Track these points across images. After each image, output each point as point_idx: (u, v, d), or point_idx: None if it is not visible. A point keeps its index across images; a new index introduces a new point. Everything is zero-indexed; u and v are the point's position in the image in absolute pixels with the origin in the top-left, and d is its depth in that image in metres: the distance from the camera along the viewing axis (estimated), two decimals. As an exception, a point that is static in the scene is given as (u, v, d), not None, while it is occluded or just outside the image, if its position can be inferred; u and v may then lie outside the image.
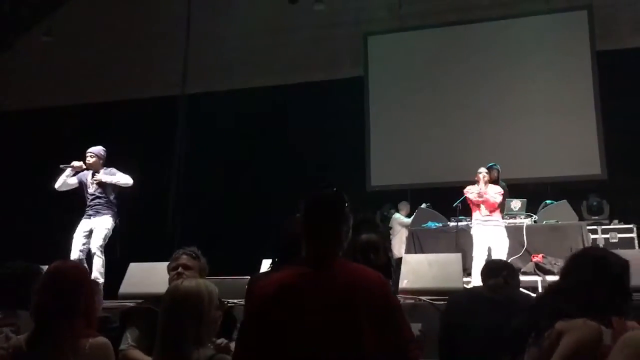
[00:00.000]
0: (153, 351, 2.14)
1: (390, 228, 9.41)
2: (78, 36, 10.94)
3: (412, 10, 10.47)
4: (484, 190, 6.84)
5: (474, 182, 7.33)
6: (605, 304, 2.08)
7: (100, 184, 6.03)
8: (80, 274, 2.39)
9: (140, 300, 3.50)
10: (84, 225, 5.97)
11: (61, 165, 6.05)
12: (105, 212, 5.99)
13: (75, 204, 6.18)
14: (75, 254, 5.83)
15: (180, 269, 3.06)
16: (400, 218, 9.39)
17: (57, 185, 6.06)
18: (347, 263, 1.99)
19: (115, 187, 6.05)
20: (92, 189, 6.03)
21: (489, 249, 6.61)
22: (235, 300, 3.86)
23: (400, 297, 4.46)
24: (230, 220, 9.67)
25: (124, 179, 6.05)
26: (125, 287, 5.31)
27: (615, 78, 9.26)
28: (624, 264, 2.16)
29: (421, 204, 8.83)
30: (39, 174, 9.90)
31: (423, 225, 7.96)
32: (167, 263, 3.24)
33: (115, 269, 5.82)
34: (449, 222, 7.76)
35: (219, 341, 2.71)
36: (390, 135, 10.47)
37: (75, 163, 6.04)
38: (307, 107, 10.28)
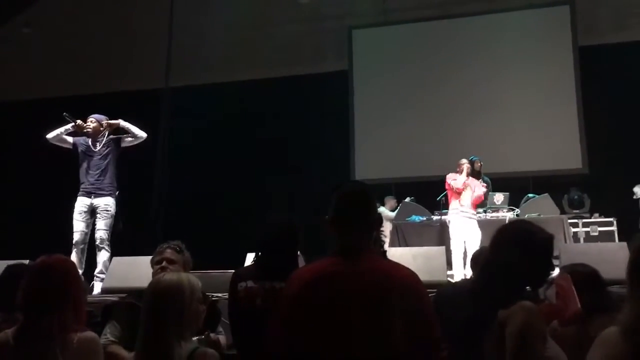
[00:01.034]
0: (135, 346, 2.12)
1: (375, 222, 9.44)
2: (60, 28, 10.80)
3: (396, 4, 10.51)
4: (468, 182, 6.89)
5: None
6: (530, 277, 2.16)
7: (112, 136, 5.68)
8: (67, 267, 2.36)
9: (123, 295, 3.47)
10: (81, 204, 5.59)
11: (65, 113, 5.68)
12: (108, 190, 5.62)
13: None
14: (77, 236, 5.54)
15: (164, 263, 3.04)
16: (384, 212, 9.41)
17: (50, 136, 5.65)
18: (379, 257, 2.03)
19: (118, 156, 5.74)
20: (97, 147, 5.65)
21: (464, 242, 6.69)
22: (220, 294, 3.84)
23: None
24: (214, 214, 9.64)
25: (139, 130, 5.69)
26: (108, 281, 5.26)
27: (597, 73, 9.37)
28: (549, 237, 2.21)
29: (405, 198, 8.87)
30: (20, 167, 9.84)
31: (407, 219, 8.01)
32: (150, 257, 3.22)
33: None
34: (432, 216, 7.81)
35: (212, 335, 2.71)
36: (374, 129, 10.50)
37: (80, 121, 5.67)
38: (291, 101, 10.27)
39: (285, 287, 2.02)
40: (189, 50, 10.07)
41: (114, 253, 5.67)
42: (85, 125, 5.71)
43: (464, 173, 6.92)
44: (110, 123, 5.79)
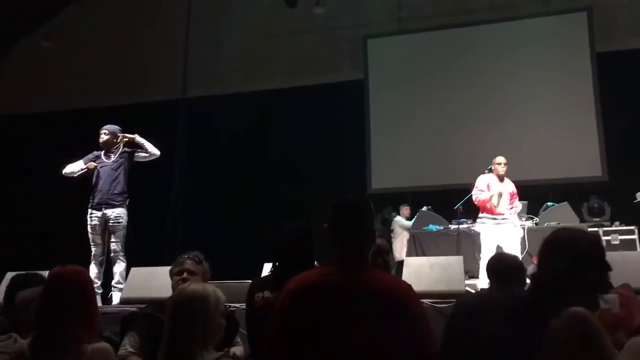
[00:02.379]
0: (157, 356, 2.13)
1: (392, 231, 9.41)
2: (77, 41, 10.96)
3: (411, 13, 10.50)
4: (500, 189, 6.46)
5: (471, 186, 7.29)
6: (585, 283, 2.09)
7: (127, 149, 5.79)
8: (80, 278, 2.37)
9: (141, 305, 3.49)
10: (93, 217, 5.66)
11: (82, 167, 5.74)
12: (119, 201, 5.67)
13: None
14: (94, 250, 5.63)
15: (185, 274, 3.06)
16: (401, 221, 9.38)
17: (65, 172, 5.77)
18: (376, 270, 2.03)
19: (130, 168, 5.83)
20: (111, 157, 5.75)
21: (498, 248, 6.25)
22: (237, 304, 3.84)
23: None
24: (231, 224, 9.66)
25: (153, 147, 5.79)
26: (127, 291, 5.28)
27: (615, 79, 9.26)
28: (593, 239, 2.17)
29: (422, 207, 8.83)
30: (37, 180, 9.96)
31: (424, 228, 7.96)
32: (168, 267, 3.23)
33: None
34: (450, 225, 7.75)
35: (232, 349, 2.72)
36: (390, 138, 10.47)
37: (92, 165, 5.76)
38: (308, 111, 10.29)
39: (277, 297, 2.02)
40: (205, 61, 10.16)
41: (132, 263, 5.70)
42: (95, 164, 5.77)
43: (498, 170, 6.52)
44: (126, 136, 5.87)
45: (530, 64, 9.93)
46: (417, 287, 4.81)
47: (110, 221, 5.66)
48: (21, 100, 11.25)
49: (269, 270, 3.28)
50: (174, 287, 3.06)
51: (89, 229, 5.70)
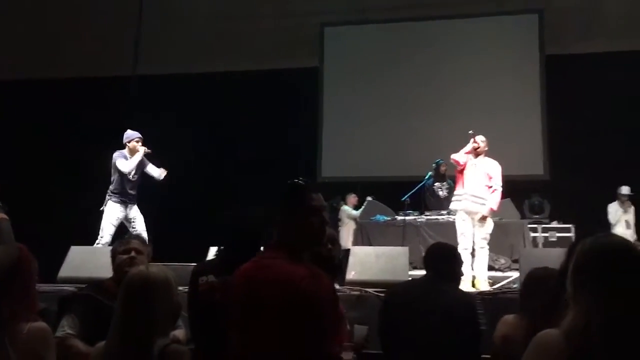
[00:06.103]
0: (108, 339, 2.05)
1: (339, 219, 9.47)
2: (24, 9, 10.48)
3: (369, 4, 10.53)
4: (473, 160, 6.28)
5: (421, 178, 7.42)
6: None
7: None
8: (19, 254, 2.28)
9: (81, 285, 3.41)
10: (118, 211, 6.05)
11: (146, 150, 6.39)
12: (137, 200, 6.27)
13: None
14: (106, 239, 5.82)
15: (133, 253, 3.01)
16: (348, 210, 9.45)
17: (128, 170, 6.19)
18: (296, 259, 1.93)
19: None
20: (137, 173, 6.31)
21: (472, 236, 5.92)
22: (180, 287, 3.79)
23: (346, 288, 4.51)
24: (179, 207, 9.51)
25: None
26: (65, 270, 5.12)
27: (562, 82, 9.55)
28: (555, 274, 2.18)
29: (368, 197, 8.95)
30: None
31: (372, 219, 8.05)
32: (109, 247, 3.16)
33: (55, 252, 5.63)
34: (396, 216, 7.86)
35: (174, 332, 2.68)
36: (342, 127, 10.51)
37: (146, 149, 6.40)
38: (261, 95, 10.20)
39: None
40: (160, 40, 9.90)
41: (72, 242, 5.57)
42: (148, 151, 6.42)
43: (468, 146, 6.33)
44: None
45: (481, 61, 10.13)
46: (362, 275, 4.90)
47: (135, 213, 6.17)
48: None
49: (214, 254, 3.24)
50: (118, 266, 2.99)
51: (112, 220, 5.99)
